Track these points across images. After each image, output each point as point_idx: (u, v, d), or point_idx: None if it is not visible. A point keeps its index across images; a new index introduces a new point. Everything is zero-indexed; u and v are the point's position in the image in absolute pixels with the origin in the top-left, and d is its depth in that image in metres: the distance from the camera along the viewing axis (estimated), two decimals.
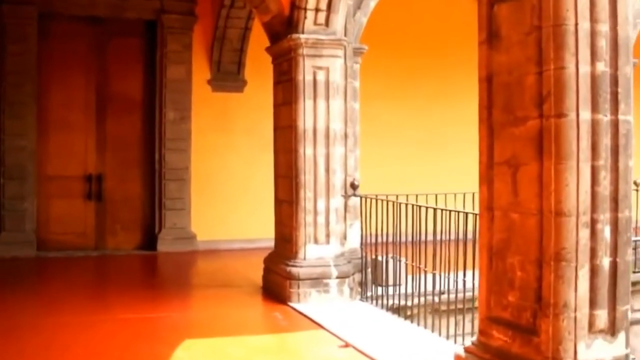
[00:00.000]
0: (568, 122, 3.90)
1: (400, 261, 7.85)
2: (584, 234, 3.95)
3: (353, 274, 7.97)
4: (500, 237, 4.37)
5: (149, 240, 11.63)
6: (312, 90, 7.82)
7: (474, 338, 4.69)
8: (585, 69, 3.91)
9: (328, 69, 7.86)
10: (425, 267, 7.15)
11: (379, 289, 7.94)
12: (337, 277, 7.80)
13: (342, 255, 7.97)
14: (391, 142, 12.47)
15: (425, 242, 7.15)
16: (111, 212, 11.54)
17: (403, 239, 7.55)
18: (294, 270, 7.73)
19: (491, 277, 4.50)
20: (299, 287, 7.68)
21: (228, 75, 11.96)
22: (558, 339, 3.96)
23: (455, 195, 8.50)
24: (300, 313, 7.31)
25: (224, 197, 11.86)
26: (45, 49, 11.09)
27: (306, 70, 7.79)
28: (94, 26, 11.43)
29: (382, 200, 7.73)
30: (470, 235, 6.26)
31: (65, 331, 6.62)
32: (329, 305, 7.61)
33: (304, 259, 7.79)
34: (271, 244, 10.75)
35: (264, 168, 11.73)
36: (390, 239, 7.66)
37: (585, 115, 3.92)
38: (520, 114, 4.15)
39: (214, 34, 11.69)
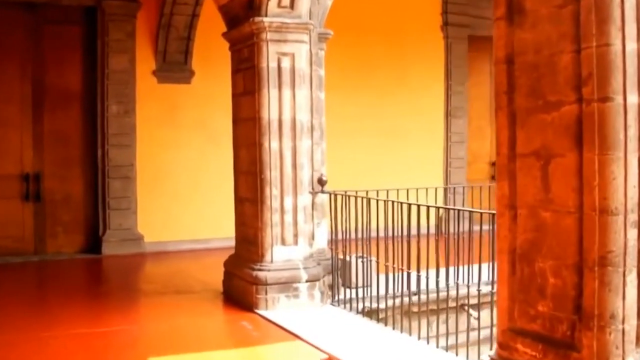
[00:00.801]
0: (614, 107, 3.39)
1: (370, 261, 7.34)
2: (632, 234, 3.45)
3: (323, 277, 7.40)
4: (526, 239, 3.84)
5: (93, 243, 10.86)
6: (276, 79, 7.22)
7: (492, 352, 4.17)
8: (632, 45, 3.40)
9: (293, 55, 7.26)
10: (399, 265, 6.64)
11: (349, 291, 7.41)
12: (307, 281, 7.22)
13: (310, 257, 7.41)
14: (349, 135, 11.92)
15: (394, 239, 6.69)
16: (51, 213, 10.73)
17: (373, 235, 7.05)
18: (261, 274, 7.13)
19: (514, 284, 3.97)
20: (266, 293, 7.09)
21: (174, 65, 11.25)
22: (604, 354, 3.45)
23: (427, 190, 8.11)
24: (271, 321, 6.71)
25: (172, 196, 11.18)
26: None
27: (270, 56, 7.17)
28: (29, 13, 10.57)
29: (351, 197, 7.20)
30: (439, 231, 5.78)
31: (12, 353, 5.89)
32: (300, 311, 7.04)
33: (271, 261, 7.19)
34: (224, 244, 10.25)
35: (214, 164, 11.21)
36: (359, 238, 7.14)
37: (633, 99, 3.41)
38: (553, 99, 3.62)
39: (159, 22, 10.97)
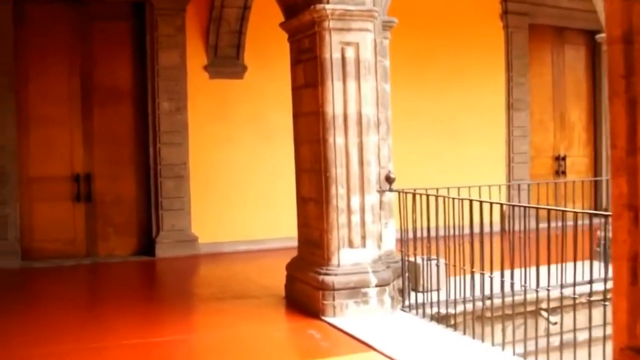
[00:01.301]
0: None
1: (439, 263, 6.88)
2: None
3: (393, 281, 6.93)
4: None
5: (146, 245, 10.53)
6: (340, 70, 6.75)
7: None
8: None
9: (358, 45, 6.79)
10: (469, 267, 6.16)
11: (419, 295, 6.94)
12: (377, 286, 6.74)
13: (379, 260, 6.93)
14: (407, 130, 11.40)
15: (458, 238, 6.28)
16: (102, 214, 10.41)
17: (439, 236, 6.61)
18: (328, 279, 6.66)
19: (635, 296, 3.45)
20: (334, 299, 6.62)
21: (226, 60, 10.85)
22: None
23: (489, 187, 7.59)
24: (340, 330, 6.24)
25: (226, 195, 10.81)
26: (22, 35, 9.95)
27: (333, 46, 6.70)
28: (77, 9, 10.27)
29: (422, 195, 6.71)
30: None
31: None
32: (370, 318, 6.56)
33: (338, 265, 6.73)
34: (280, 244, 9.95)
35: (269, 161, 10.84)
36: (424, 238, 6.69)
37: None
38: None
39: (210, 15, 10.59)
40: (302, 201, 7.35)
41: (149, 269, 10.00)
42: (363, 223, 6.84)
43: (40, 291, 8.50)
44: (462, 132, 12.15)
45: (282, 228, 10.41)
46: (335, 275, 6.69)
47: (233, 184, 10.83)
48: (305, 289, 6.96)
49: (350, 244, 6.81)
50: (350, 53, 6.78)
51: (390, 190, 7.09)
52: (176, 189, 10.45)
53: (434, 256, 6.89)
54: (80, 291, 8.79)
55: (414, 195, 6.77)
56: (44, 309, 7.44)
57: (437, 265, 6.90)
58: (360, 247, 6.84)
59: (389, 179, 7.06)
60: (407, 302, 6.99)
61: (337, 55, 6.75)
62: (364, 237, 6.84)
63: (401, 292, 7.06)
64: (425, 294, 6.83)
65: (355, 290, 6.66)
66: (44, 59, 10.12)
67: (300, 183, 7.36)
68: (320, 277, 6.72)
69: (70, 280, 9.23)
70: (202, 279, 9.43)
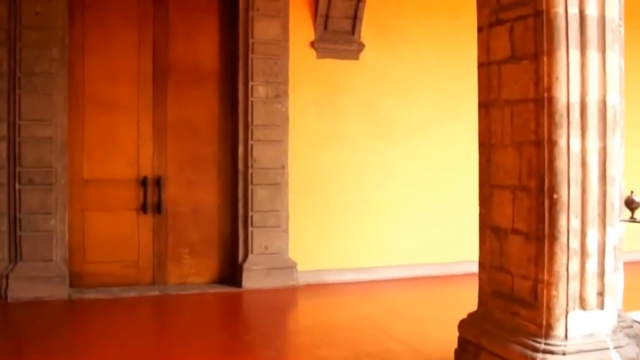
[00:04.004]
0: None
1: None
2: None
3: None
4: None
5: (230, 272, 8.18)
6: (577, 35, 4.28)
7: None
8: None
9: None
10: None
11: None
12: None
13: (619, 327, 4.46)
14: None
15: None
16: (175, 230, 8.06)
17: None
18: (552, 359, 4.18)
19: None
20: None
21: (339, 35, 8.45)
22: None
23: None
24: None
25: (333, 209, 8.45)
26: None
27: None
28: None
29: None
30: None
31: None
32: None
33: (566, 337, 4.25)
34: (396, 274, 8.46)
35: (389, 166, 8.61)
36: None
37: None
38: None
39: None
40: (493, 232, 4.85)
41: (234, 305, 7.59)
42: (602, 272, 4.37)
43: (93, 335, 6.15)
44: None
45: (400, 253, 8.51)
46: (563, 354, 4.20)
47: (341, 194, 8.49)
48: None
49: (583, 305, 4.35)
50: (591, 9, 4.30)
51: (634, 220, 4.58)
52: (271, 201, 8.06)
53: None
54: (143, 335, 6.35)
55: None
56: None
57: None
58: (596, 309, 4.38)
59: (633, 204, 4.55)
60: None
61: (573, 10, 4.27)
62: (601, 294, 4.37)
63: None
64: None
65: None
66: (106, 26, 7.82)
67: (494, 205, 4.85)
68: (538, 356, 4.22)
69: (130, 319, 6.88)
70: (315, 327, 6.68)
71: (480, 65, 4.97)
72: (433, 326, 6.35)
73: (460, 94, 8.71)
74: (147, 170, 7.94)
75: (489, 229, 4.90)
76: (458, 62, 8.72)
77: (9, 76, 7.27)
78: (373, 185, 8.57)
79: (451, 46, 8.81)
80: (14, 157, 7.27)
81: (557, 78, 4.25)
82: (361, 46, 8.51)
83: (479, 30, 4.97)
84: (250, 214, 8.01)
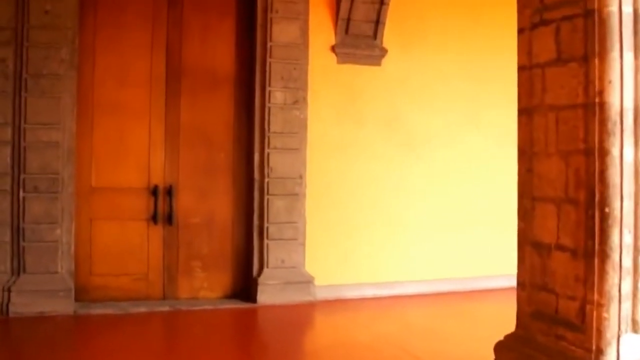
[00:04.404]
0: None
1: None
2: None
3: None
4: None
5: (244, 286, 7.78)
6: (632, 36, 3.89)
7: None
8: None
9: None
10: None
11: None
12: None
13: None
14: None
15: None
16: (186, 242, 7.68)
17: None
18: None
19: None
20: None
21: (361, 39, 8.07)
22: None
23: None
24: None
25: (353, 221, 8.06)
26: None
27: None
28: None
29: None
30: None
31: None
32: None
33: None
34: (415, 289, 8.16)
35: (412, 177, 8.28)
36: None
37: None
38: None
39: None
40: (534, 248, 4.44)
41: (249, 322, 7.20)
42: None
43: (97, 351, 5.78)
44: None
45: (420, 268, 8.18)
46: None
47: (361, 205, 8.11)
48: None
49: (635, 328, 3.95)
50: None
51: None
52: (288, 212, 7.67)
53: None
54: (152, 353, 5.95)
55: None
56: None
57: None
58: None
59: None
60: None
61: (628, 9, 3.88)
62: None
63: None
64: None
65: None
66: (118, 26, 7.48)
67: (533, 218, 4.45)
68: None
69: (139, 335, 6.49)
70: (334, 348, 6.28)
71: (521, 69, 4.57)
72: (457, 346, 6.00)
73: (485, 104, 8.44)
74: (158, 179, 7.57)
75: (529, 244, 4.49)
76: (483, 69, 8.40)
77: (15, 77, 6.90)
78: (394, 196, 8.19)
79: (476, 52, 8.46)
80: (18, 163, 6.91)
81: (609, 82, 3.85)
82: (384, 51, 8.13)
83: (520, 31, 4.57)
84: (266, 225, 7.62)
